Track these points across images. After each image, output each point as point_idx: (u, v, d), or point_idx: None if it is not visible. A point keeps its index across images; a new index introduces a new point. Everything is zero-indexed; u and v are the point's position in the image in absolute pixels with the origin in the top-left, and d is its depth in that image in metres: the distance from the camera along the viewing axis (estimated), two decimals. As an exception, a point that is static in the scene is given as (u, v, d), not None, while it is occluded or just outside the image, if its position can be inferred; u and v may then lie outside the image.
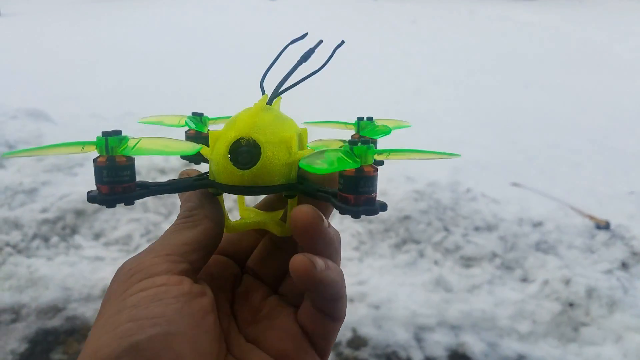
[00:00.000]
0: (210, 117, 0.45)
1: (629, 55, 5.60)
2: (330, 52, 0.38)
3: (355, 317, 1.86)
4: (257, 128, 0.34)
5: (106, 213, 2.40)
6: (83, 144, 0.33)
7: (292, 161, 0.34)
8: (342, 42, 0.39)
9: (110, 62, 5.75)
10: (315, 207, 0.32)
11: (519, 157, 3.12)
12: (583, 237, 2.26)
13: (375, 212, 0.32)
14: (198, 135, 0.43)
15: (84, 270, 2.07)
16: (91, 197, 0.32)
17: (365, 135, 0.43)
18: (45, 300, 1.94)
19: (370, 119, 0.43)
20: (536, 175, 2.87)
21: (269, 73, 0.40)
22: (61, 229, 2.33)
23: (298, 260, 0.30)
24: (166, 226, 2.30)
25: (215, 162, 0.34)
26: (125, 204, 0.33)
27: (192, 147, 0.34)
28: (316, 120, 0.49)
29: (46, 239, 2.27)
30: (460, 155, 0.38)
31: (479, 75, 4.97)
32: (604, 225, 2.30)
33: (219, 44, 6.56)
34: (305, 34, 0.40)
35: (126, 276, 0.31)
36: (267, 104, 0.37)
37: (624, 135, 3.43)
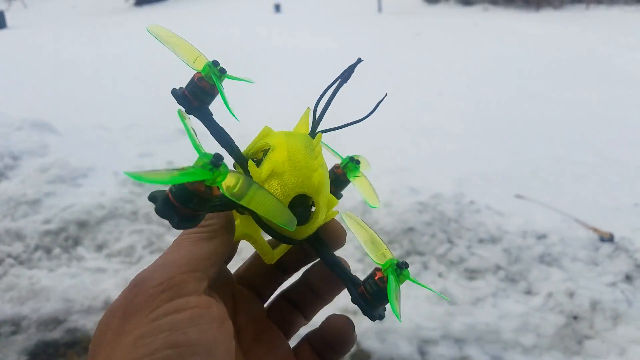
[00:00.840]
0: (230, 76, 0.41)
1: (634, 67, 5.60)
2: (375, 104, 0.41)
3: (359, 330, 1.84)
4: (319, 189, 0.35)
5: (109, 225, 2.40)
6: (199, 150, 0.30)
7: (324, 221, 0.37)
8: (385, 95, 0.44)
9: (114, 73, 5.79)
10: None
11: (523, 169, 3.11)
12: (587, 250, 2.25)
13: (378, 319, 0.36)
14: (207, 89, 0.39)
15: (86, 281, 2.07)
16: (159, 210, 0.29)
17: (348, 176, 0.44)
18: (46, 312, 1.93)
19: (357, 162, 0.44)
20: (540, 188, 2.85)
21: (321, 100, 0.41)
22: (63, 240, 2.33)
23: (343, 320, 0.35)
24: (169, 238, 2.30)
25: (272, 202, 0.33)
26: (188, 228, 0.31)
27: (291, 224, 0.32)
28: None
29: (48, 251, 2.27)
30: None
31: (483, 87, 4.97)
32: (608, 238, 2.29)
33: (224, 55, 6.59)
34: (360, 60, 0.40)
35: (156, 291, 0.29)
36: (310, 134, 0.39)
37: (628, 148, 3.42)
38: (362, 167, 0.45)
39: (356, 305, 0.35)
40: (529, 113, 4.19)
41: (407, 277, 0.35)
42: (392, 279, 0.34)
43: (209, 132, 0.39)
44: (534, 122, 3.96)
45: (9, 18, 10.79)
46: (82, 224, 2.41)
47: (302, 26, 9.22)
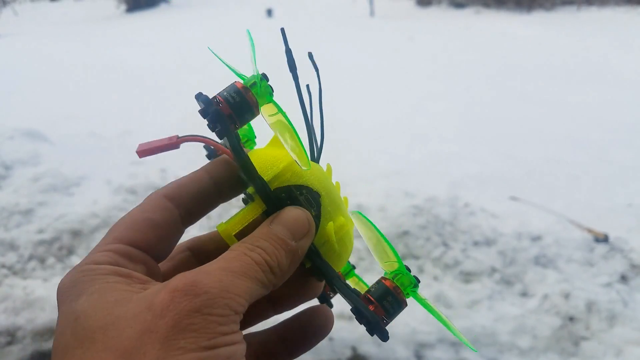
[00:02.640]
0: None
1: (627, 68, 5.64)
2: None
3: (355, 335, 1.84)
4: (326, 181, 0.36)
5: (102, 233, 2.39)
6: None
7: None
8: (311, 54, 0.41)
9: (107, 81, 5.78)
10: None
11: (517, 171, 3.12)
12: (582, 251, 2.25)
13: (382, 337, 0.33)
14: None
15: (81, 291, 2.05)
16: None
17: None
18: (41, 322, 1.92)
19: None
20: (535, 189, 2.86)
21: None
22: (57, 250, 2.32)
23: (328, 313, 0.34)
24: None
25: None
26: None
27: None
28: None
29: (42, 260, 2.26)
30: (476, 351, 0.41)
31: (477, 89, 4.99)
32: (602, 239, 2.30)
33: (216, 62, 6.59)
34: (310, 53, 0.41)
35: (83, 329, 0.26)
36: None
37: (622, 148, 3.43)
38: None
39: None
40: (523, 115, 4.21)
41: (415, 297, 0.34)
42: (419, 298, 0.34)
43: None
44: (527, 124, 3.97)
45: (0, 26, 10.74)
46: (76, 233, 2.39)
47: (293, 31, 9.22)
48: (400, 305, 0.33)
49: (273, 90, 0.33)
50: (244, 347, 0.26)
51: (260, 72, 0.33)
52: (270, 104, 0.32)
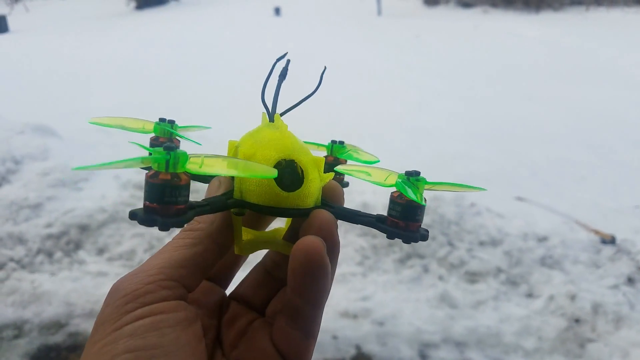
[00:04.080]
0: (180, 124, 0.43)
1: (636, 68, 5.60)
2: (319, 77, 0.39)
3: (359, 333, 1.84)
4: (296, 150, 0.34)
5: (110, 228, 2.40)
6: (142, 159, 0.29)
7: (322, 184, 0.35)
8: (325, 68, 0.41)
9: (115, 77, 5.81)
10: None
11: (523, 171, 3.11)
12: (588, 252, 2.25)
13: (423, 239, 0.34)
14: (170, 143, 0.33)
15: (87, 285, 2.07)
16: (141, 219, 0.28)
17: (341, 157, 0.44)
18: (48, 315, 1.93)
19: (342, 143, 0.43)
20: (541, 190, 2.85)
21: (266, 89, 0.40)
22: (65, 244, 2.33)
23: (310, 240, 0.30)
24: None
25: (256, 182, 0.33)
26: (177, 227, 0.29)
27: (270, 172, 0.30)
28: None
29: (50, 254, 2.27)
30: (485, 189, 0.38)
31: (483, 88, 4.97)
32: (609, 240, 2.29)
33: (224, 59, 6.62)
34: (286, 53, 0.39)
35: (121, 302, 0.30)
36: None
37: (629, 149, 3.42)
38: (359, 155, 0.43)
39: (393, 238, 0.33)
40: (529, 114, 4.19)
41: (425, 181, 0.34)
42: (407, 185, 0.33)
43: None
44: (534, 124, 3.96)
45: (11, 22, 10.81)
46: (84, 228, 2.41)
47: (300, 29, 9.23)
48: (407, 206, 0.33)
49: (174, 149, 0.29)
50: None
51: (165, 144, 0.29)
52: (194, 159, 0.30)
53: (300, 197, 0.33)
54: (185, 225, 0.31)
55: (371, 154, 0.45)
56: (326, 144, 0.43)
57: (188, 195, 0.29)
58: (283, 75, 0.38)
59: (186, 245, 0.33)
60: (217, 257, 0.35)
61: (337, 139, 0.44)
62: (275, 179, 0.32)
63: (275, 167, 0.33)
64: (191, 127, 0.44)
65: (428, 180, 0.34)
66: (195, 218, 0.34)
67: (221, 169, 0.30)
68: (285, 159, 0.33)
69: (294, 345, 0.33)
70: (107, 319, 0.30)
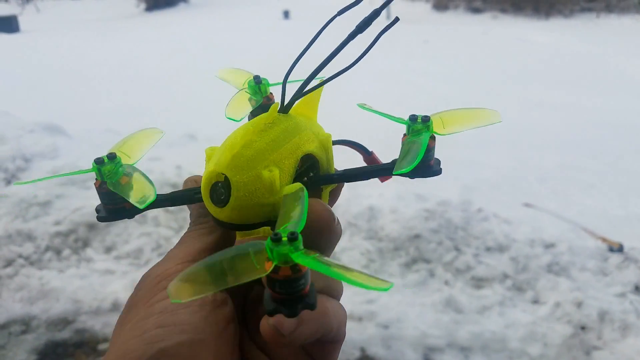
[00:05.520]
0: (271, 82, 0.43)
1: (643, 76, 5.58)
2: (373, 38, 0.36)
3: (364, 336, 1.84)
4: (234, 164, 0.32)
5: (118, 227, 2.42)
6: (85, 171, 0.37)
7: (273, 201, 0.32)
8: (397, 19, 0.37)
9: (124, 78, 5.84)
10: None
11: (531, 177, 3.10)
12: (596, 260, 2.24)
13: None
14: (258, 106, 0.41)
15: (95, 283, 2.09)
16: (98, 217, 0.35)
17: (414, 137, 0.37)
18: (55, 312, 1.95)
19: (426, 119, 0.37)
20: (548, 196, 2.85)
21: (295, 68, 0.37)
22: (73, 242, 2.35)
23: (263, 329, 0.29)
24: (177, 240, 2.31)
25: (202, 192, 0.33)
26: (129, 218, 0.35)
27: (152, 194, 0.34)
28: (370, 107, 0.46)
29: (58, 252, 2.29)
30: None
31: (492, 95, 4.97)
32: (617, 248, 2.28)
33: (233, 61, 6.65)
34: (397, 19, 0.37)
35: (153, 283, 0.32)
36: (282, 110, 0.35)
37: (637, 157, 3.40)
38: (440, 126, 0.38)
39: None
40: (538, 121, 4.18)
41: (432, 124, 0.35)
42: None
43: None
44: (542, 130, 3.95)
45: (22, 22, 10.91)
46: (92, 226, 2.43)
47: (309, 32, 9.24)
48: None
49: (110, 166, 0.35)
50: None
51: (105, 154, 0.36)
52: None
53: (230, 214, 0.32)
54: (195, 218, 0.36)
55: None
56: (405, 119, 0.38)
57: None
58: (360, 29, 0.36)
59: (203, 235, 0.35)
60: (232, 241, 0.36)
61: (419, 114, 0.38)
62: (209, 192, 0.33)
63: (206, 180, 0.33)
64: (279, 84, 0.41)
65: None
66: (199, 209, 0.36)
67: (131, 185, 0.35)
68: (218, 173, 0.32)
69: (320, 349, 0.34)
70: (140, 300, 0.31)
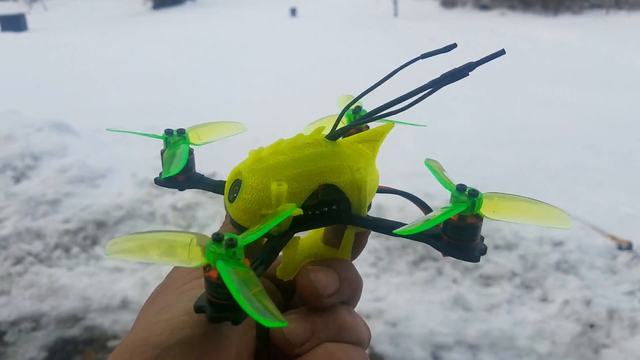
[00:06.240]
0: (305, 120, 0.46)
1: (653, 74, 5.54)
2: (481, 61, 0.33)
3: (372, 333, 1.84)
4: (253, 167, 0.33)
5: (127, 225, 2.43)
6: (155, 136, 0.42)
7: (266, 213, 0.32)
8: (503, 51, 0.33)
9: (132, 76, 5.86)
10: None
11: (539, 175, 3.09)
12: (604, 258, 2.23)
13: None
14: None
15: (104, 280, 2.10)
16: (155, 179, 0.39)
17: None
18: (64, 309, 1.96)
19: (474, 193, 0.33)
20: (557, 194, 2.83)
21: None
22: (82, 240, 2.37)
23: (303, 281, 0.31)
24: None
25: (226, 184, 0.36)
26: (179, 189, 0.39)
27: (175, 170, 0.37)
28: None
29: (67, 249, 2.31)
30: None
31: (499, 92, 4.95)
32: (626, 246, 2.27)
33: (241, 59, 6.66)
34: (454, 45, 0.35)
35: (187, 270, 0.32)
36: (330, 137, 0.35)
37: (647, 155, 3.38)
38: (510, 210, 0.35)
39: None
40: (546, 119, 4.16)
41: (480, 203, 0.32)
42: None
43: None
44: (550, 128, 3.93)
45: (30, 21, 10.97)
46: (100, 224, 2.44)
47: (316, 30, 9.25)
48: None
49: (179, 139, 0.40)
50: None
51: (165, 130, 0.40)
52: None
53: (234, 212, 0.33)
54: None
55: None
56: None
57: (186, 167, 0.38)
58: (451, 77, 0.34)
59: (234, 232, 0.35)
60: (262, 242, 0.36)
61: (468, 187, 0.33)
62: (230, 186, 0.34)
63: (234, 175, 0.34)
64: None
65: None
66: None
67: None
68: (240, 172, 0.33)
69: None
70: (171, 285, 0.32)
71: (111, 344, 1.81)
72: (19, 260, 2.22)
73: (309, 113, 0.41)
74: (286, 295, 0.39)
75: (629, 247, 2.26)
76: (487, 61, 0.33)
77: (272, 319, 0.23)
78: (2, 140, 3.23)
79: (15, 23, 10.35)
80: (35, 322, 1.91)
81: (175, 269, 0.33)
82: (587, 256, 2.23)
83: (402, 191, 0.41)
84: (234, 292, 0.24)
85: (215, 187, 0.39)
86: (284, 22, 10.70)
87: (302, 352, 0.31)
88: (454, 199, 0.33)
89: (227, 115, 4.11)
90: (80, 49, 7.81)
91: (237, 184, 0.33)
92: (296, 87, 4.97)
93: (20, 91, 5.19)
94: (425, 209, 0.40)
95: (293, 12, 11.67)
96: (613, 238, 2.34)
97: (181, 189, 0.39)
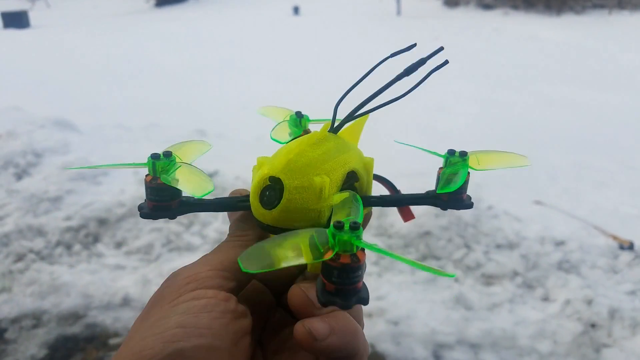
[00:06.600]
0: (311, 118, 0.46)
1: (656, 73, 5.52)
2: (425, 74, 0.38)
3: (374, 332, 1.84)
4: (289, 168, 0.34)
5: (128, 222, 2.43)
6: (137, 164, 0.37)
7: (320, 207, 0.34)
8: (446, 61, 0.39)
9: (134, 73, 5.86)
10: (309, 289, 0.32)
11: (542, 175, 3.08)
12: (606, 257, 2.22)
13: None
14: (295, 137, 0.43)
15: (105, 278, 2.10)
16: (141, 214, 0.36)
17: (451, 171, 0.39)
18: (66, 307, 1.96)
19: (463, 154, 0.38)
20: (559, 194, 2.83)
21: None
22: (84, 237, 2.37)
23: (298, 332, 0.30)
24: (188, 236, 2.33)
25: (251, 195, 0.35)
26: (169, 218, 0.36)
27: (210, 187, 0.35)
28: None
29: (69, 247, 2.31)
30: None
31: (502, 91, 4.94)
32: (627, 246, 2.26)
33: (244, 58, 6.65)
34: (414, 45, 0.40)
35: (181, 283, 0.32)
36: (331, 130, 0.38)
37: (649, 155, 3.37)
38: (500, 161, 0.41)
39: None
40: (548, 118, 4.16)
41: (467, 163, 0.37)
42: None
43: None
44: (553, 128, 3.92)
45: (32, 17, 10.98)
46: (102, 222, 2.44)
47: (319, 28, 9.24)
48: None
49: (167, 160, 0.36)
50: None
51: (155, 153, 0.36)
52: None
53: (279, 217, 0.34)
54: (235, 230, 0.38)
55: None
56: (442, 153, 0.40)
57: (172, 194, 0.35)
58: (408, 72, 0.39)
59: (239, 246, 0.35)
60: None
61: (457, 149, 0.39)
62: (259, 195, 0.34)
63: (260, 182, 0.34)
64: (319, 121, 0.45)
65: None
66: (241, 223, 0.38)
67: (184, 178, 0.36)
68: (272, 176, 0.34)
69: None
70: (165, 298, 0.32)
71: (112, 341, 1.81)
72: (20, 258, 2.22)
73: (312, 111, 0.41)
74: (277, 295, 0.39)
75: (630, 247, 2.26)
76: (434, 55, 0.39)
77: (437, 271, 0.27)
78: (4, 137, 3.23)
79: (18, 20, 10.35)
80: (36, 319, 1.91)
81: (170, 280, 0.33)
82: (589, 256, 2.23)
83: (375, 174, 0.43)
84: (401, 259, 0.28)
85: (217, 205, 0.37)
86: (286, 20, 10.69)
87: (322, 348, 0.30)
88: (450, 162, 0.38)
89: (229, 114, 4.12)
90: (83, 46, 7.81)
91: (272, 189, 0.34)
92: (298, 86, 4.96)
93: (23, 88, 5.19)
94: (394, 189, 0.44)
95: (296, 10, 11.66)
96: (615, 238, 2.33)
97: (173, 217, 0.36)
